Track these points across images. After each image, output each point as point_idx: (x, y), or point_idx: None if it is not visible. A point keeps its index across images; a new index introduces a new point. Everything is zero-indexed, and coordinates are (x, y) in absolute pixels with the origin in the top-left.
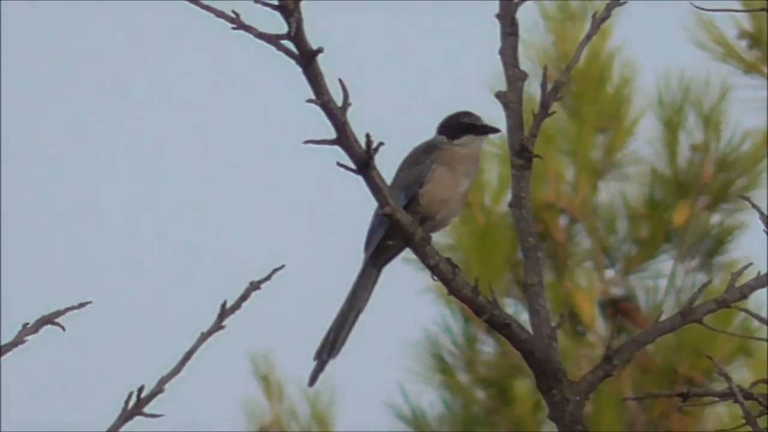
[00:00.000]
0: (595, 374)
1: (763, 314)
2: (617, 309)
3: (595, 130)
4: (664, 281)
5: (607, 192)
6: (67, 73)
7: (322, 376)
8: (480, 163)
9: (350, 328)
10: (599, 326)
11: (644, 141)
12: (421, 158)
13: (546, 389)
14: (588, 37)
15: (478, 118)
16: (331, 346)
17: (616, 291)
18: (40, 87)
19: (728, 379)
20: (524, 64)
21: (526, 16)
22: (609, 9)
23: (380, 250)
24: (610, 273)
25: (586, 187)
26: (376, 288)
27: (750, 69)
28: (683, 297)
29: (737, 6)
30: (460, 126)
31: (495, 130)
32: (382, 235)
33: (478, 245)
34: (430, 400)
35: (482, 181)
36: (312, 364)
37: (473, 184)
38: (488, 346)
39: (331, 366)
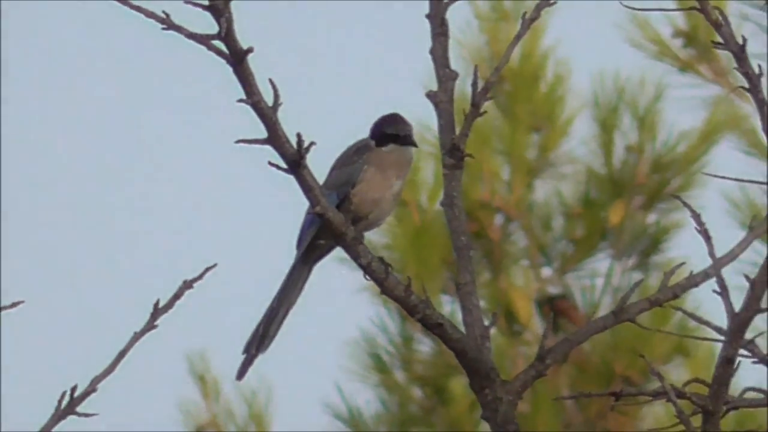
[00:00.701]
0: (528, 373)
1: (701, 313)
2: (554, 308)
3: (530, 130)
4: (600, 280)
5: (542, 191)
6: None
7: (258, 374)
8: (411, 165)
9: (280, 324)
10: (536, 325)
11: (579, 141)
12: (353, 158)
13: (478, 389)
14: (518, 38)
15: (401, 127)
16: (260, 341)
17: (553, 289)
18: None
19: (661, 378)
20: (458, 64)
21: (459, 15)
22: (539, 9)
23: (312, 249)
24: (546, 272)
25: (521, 186)
26: (310, 286)
27: (685, 67)
28: (620, 296)
29: (671, 5)
30: (383, 135)
31: (412, 144)
32: (314, 234)
33: (413, 244)
34: (367, 399)
35: (417, 179)
36: (241, 358)
37: (406, 184)
38: (425, 345)
39: (268, 365)
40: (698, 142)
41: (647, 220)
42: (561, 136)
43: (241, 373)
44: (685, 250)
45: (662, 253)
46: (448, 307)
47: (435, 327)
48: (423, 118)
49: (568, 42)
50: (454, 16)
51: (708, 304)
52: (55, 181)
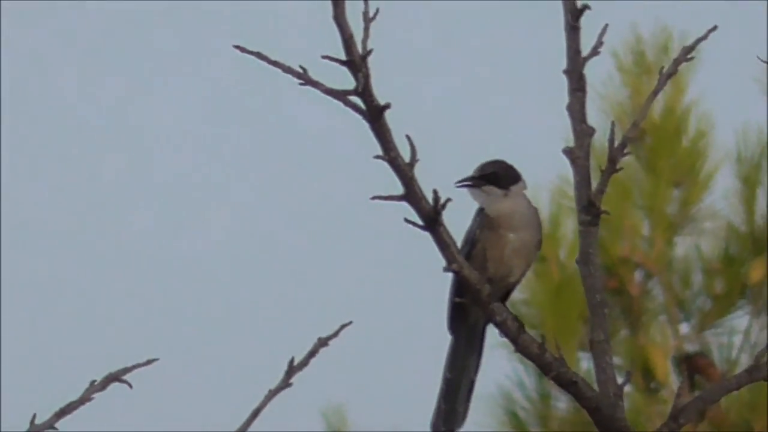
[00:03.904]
0: None
1: None
2: (692, 365)
3: (671, 184)
4: (739, 337)
5: (682, 246)
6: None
7: (395, 429)
8: (523, 213)
9: (468, 398)
10: (673, 382)
11: (720, 195)
12: (474, 218)
13: None
14: (655, 93)
15: (476, 169)
16: (449, 416)
17: (691, 347)
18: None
19: None
20: (599, 117)
21: (601, 68)
22: (676, 64)
23: (458, 317)
24: (684, 328)
25: (661, 242)
26: (445, 342)
27: None
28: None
29: None
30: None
31: (463, 185)
32: (453, 293)
33: (552, 300)
34: None
35: (557, 235)
36: None
37: (531, 234)
38: (562, 402)
39: (407, 422)
40: None
41: None
42: (702, 191)
43: None
44: None
45: None
46: (586, 363)
47: (569, 385)
48: (562, 172)
49: (710, 97)
50: (596, 68)
51: None
52: (192, 237)
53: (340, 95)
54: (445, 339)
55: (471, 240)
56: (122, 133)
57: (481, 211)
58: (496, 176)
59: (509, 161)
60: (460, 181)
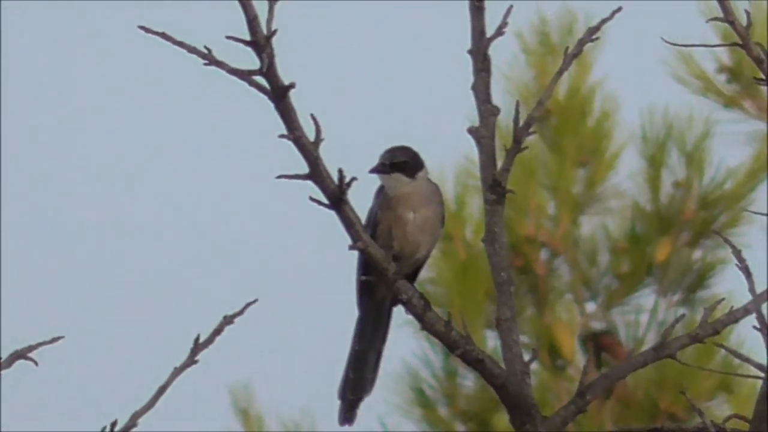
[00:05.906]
0: (568, 409)
1: (745, 350)
2: (598, 343)
3: (576, 164)
4: (645, 316)
5: (588, 226)
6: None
7: (301, 407)
8: (419, 190)
9: (376, 367)
10: (580, 360)
11: (626, 175)
12: (374, 199)
13: (519, 424)
14: (560, 73)
15: (380, 158)
16: (354, 385)
17: (597, 325)
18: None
19: (701, 414)
20: (504, 97)
21: (506, 49)
22: (581, 44)
23: (365, 292)
24: (591, 307)
25: (566, 221)
26: (351, 320)
27: (729, 103)
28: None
29: (714, 40)
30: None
31: (374, 172)
32: (359, 271)
33: (459, 278)
34: None
35: (463, 214)
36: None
37: (435, 211)
38: (468, 380)
39: (312, 399)
40: (745, 179)
41: (693, 257)
42: (607, 171)
43: (343, 419)
44: (731, 286)
45: (708, 289)
46: (493, 342)
47: (475, 363)
48: (468, 153)
49: (615, 77)
50: (501, 50)
51: (753, 341)
52: (99, 218)
53: (245, 75)
54: (352, 316)
55: (373, 220)
56: None
57: (381, 190)
58: (406, 165)
59: (413, 148)
60: (373, 170)
